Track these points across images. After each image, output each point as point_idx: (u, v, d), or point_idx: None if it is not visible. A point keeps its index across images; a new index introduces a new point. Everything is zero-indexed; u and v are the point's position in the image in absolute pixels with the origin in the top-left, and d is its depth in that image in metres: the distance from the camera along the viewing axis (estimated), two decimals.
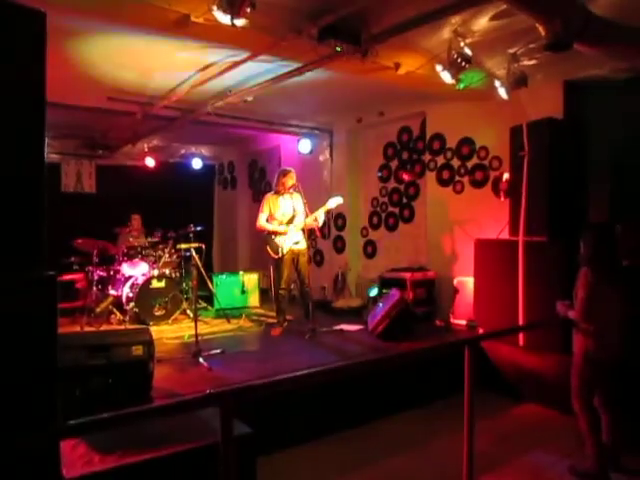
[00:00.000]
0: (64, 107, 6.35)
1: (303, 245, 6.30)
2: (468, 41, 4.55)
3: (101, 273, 7.21)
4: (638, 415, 3.95)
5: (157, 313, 6.89)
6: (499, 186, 6.09)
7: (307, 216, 6.17)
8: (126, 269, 7.20)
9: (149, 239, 7.70)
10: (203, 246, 7.43)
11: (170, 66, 5.42)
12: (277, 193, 6.34)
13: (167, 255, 7.53)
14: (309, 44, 4.47)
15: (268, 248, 6.30)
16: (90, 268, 7.11)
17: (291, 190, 6.28)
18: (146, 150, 9.59)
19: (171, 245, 7.66)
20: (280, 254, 6.22)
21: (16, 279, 2.14)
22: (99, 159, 10.20)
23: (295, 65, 5.21)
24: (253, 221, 11.21)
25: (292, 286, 7.04)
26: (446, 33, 4.59)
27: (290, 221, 6.28)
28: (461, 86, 5.10)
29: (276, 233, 6.25)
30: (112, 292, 7.15)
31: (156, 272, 7.18)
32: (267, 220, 6.31)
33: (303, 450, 4.02)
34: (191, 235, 7.68)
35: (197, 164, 10.71)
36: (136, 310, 6.80)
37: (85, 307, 6.85)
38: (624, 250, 3.92)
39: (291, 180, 6.26)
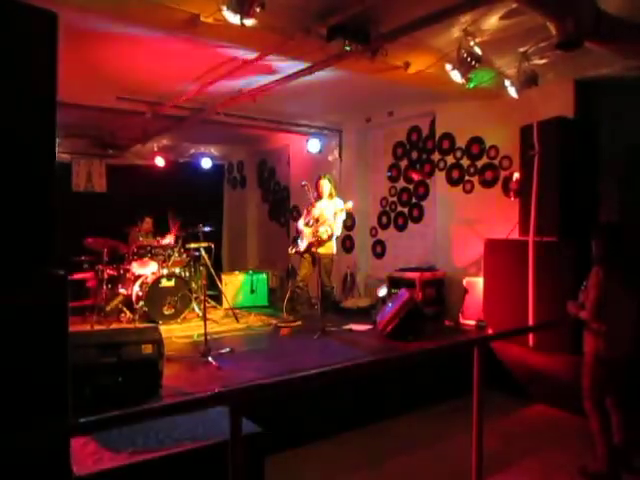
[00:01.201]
0: (75, 107, 6.39)
1: (325, 250, 6.49)
2: (478, 40, 4.53)
3: (111, 272, 7.25)
4: None
5: (166, 312, 6.93)
6: (509, 186, 6.07)
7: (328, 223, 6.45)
8: (136, 268, 7.23)
9: (158, 238, 7.75)
10: (212, 245, 7.48)
11: (179, 66, 5.43)
12: (317, 198, 6.71)
13: (177, 254, 7.56)
14: (318, 43, 4.47)
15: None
16: (100, 267, 7.16)
17: (326, 196, 6.64)
18: (156, 150, 9.63)
19: (181, 244, 7.70)
20: (294, 251, 6.71)
21: (27, 278, 2.16)
22: (109, 159, 10.25)
23: (304, 65, 5.21)
24: (262, 220, 11.37)
25: (301, 285, 7.08)
26: (456, 32, 4.57)
27: (312, 225, 6.58)
28: (471, 85, 5.07)
29: (297, 232, 6.88)
30: (122, 291, 7.20)
31: (166, 271, 7.22)
32: (305, 222, 6.79)
33: (311, 449, 4.02)
34: (200, 234, 7.72)
35: (206, 164, 10.75)
36: (146, 309, 6.84)
37: (95, 306, 6.89)
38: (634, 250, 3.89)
39: (321, 187, 6.65)
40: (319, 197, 6.62)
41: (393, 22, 4.40)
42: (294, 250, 6.73)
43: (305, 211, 6.96)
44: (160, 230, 8.07)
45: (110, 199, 10.19)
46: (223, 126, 8.04)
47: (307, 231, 6.63)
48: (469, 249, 6.76)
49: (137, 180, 10.32)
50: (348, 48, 4.46)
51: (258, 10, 3.52)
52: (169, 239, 7.70)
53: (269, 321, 7.11)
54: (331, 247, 6.52)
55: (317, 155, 8.80)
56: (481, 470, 3.01)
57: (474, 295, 6.34)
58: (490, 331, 5.71)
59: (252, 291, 8.30)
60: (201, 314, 6.76)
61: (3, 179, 2.08)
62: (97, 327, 6.49)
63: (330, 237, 6.44)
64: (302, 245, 6.65)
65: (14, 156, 2.14)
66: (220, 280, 7.99)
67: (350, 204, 6.47)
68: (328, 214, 6.44)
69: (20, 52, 2.14)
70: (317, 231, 6.42)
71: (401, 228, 8.13)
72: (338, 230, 6.55)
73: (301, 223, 6.82)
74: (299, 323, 6.72)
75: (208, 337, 5.23)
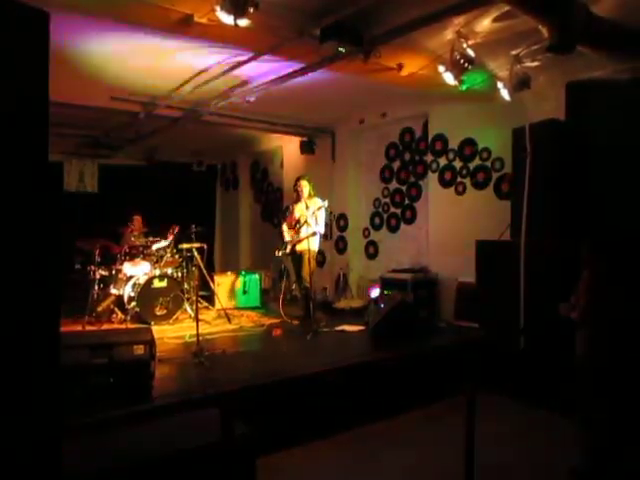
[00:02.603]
0: (67, 106, 6.36)
1: (304, 246, 6.44)
2: (471, 42, 4.56)
3: (103, 272, 7.22)
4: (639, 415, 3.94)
5: (158, 313, 6.90)
6: (501, 187, 6.10)
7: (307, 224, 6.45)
8: (128, 268, 7.20)
9: (151, 238, 7.72)
10: (205, 246, 7.46)
11: (173, 66, 5.42)
12: (297, 200, 6.72)
13: (169, 255, 7.53)
14: (311, 44, 4.47)
15: None
16: (92, 267, 7.12)
17: (306, 196, 6.60)
18: (148, 150, 9.60)
19: (173, 245, 7.67)
20: (279, 253, 6.74)
21: (19, 278, 2.14)
22: (101, 159, 10.22)
23: (298, 65, 5.21)
24: (255, 221, 11.36)
25: (294, 286, 7.10)
26: (449, 34, 4.59)
27: (293, 226, 6.62)
28: (464, 87, 5.10)
29: (282, 236, 6.81)
30: (114, 291, 7.16)
31: (158, 272, 7.19)
32: (288, 224, 6.80)
33: (303, 451, 4.02)
34: (193, 235, 7.70)
35: (199, 164, 10.73)
36: (137, 310, 6.81)
37: (87, 306, 6.86)
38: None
39: (300, 187, 6.63)
40: (298, 198, 6.64)
41: (386, 24, 4.41)
42: (280, 252, 6.74)
43: (288, 214, 6.99)
44: (151, 229, 8.04)
45: (102, 199, 10.15)
46: (216, 127, 8.03)
47: (289, 233, 6.67)
48: (461, 250, 6.77)
49: (129, 180, 10.30)
50: (341, 50, 4.47)
51: (252, 11, 3.53)
52: (163, 243, 7.67)
53: (261, 322, 7.11)
54: (311, 244, 6.47)
55: (310, 156, 8.80)
56: (473, 471, 3.02)
57: (466, 296, 6.36)
58: (482, 332, 5.73)
59: (245, 292, 8.28)
60: (193, 315, 6.75)
61: None
62: (88, 328, 6.46)
63: (313, 234, 6.43)
64: (287, 247, 6.69)
65: (4, 157, 2.12)
66: (212, 281, 7.98)
67: (326, 202, 6.49)
68: (309, 214, 6.45)
69: (9, 51, 2.12)
70: (299, 232, 6.47)
71: (394, 229, 8.15)
72: (321, 228, 6.54)
73: (284, 227, 6.85)
74: (291, 324, 6.76)
75: (200, 338, 5.22)
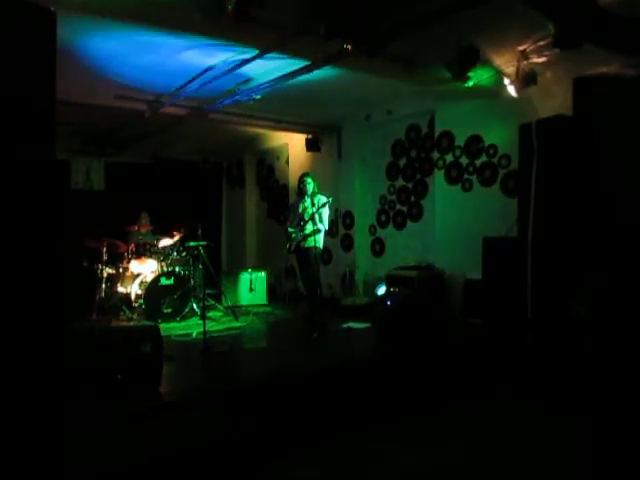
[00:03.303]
0: (73, 105, 6.37)
1: (309, 244, 6.47)
2: (477, 38, 4.53)
3: (110, 270, 7.25)
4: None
5: (165, 310, 6.92)
6: (508, 184, 6.07)
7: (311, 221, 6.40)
8: (135, 266, 7.23)
9: (158, 236, 7.74)
10: (212, 244, 7.47)
11: (178, 64, 5.42)
12: (300, 197, 6.74)
13: (176, 253, 7.55)
14: (317, 42, 4.45)
15: None
16: (99, 265, 7.15)
17: (310, 193, 6.59)
18: (154, 148, 9.62)
19: (180, 243, 7.69)
20: (284, 251, 6.80)
21: (23, 277, 2.15)
22: (108, 157, 10.24)
23: (303, 63, 5.20)
24: (261, 219, 11.37)
25: (299, 284, 7.11)
26: (455, 30, 4.57)
27: (297, 223, 6.61)
28: (470, 83, 5.08)
29: (287, 233, 6.79)
30: (121, 289, 7.19)
31: (165, 270, 7.21)
32: (292, 221, 6.83)
33: (306, 450, 4.01)
34: (199, 233, 7.72)
35: (205, 162, 10.74)
36: (145, 307, 6.83)
37: (94, 304, 6.89)
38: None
39: (304, 185, 6.61)
40: (302, 195, 6.64)
41: (392, 21, 4.39)
42: (285, 250, 6.78)
43: (291, 211, 7.01)
44: (157, 227, 8.06)
45: (109, 197, 10.19)
46: (222, 125, 8.03)
47: (293, 230, 6.66)
48: (468, 247, 6.75)
49: (135, 178, 10.33)
50: (347, 47, 4.45)
51: (258, 8, 3.52)
52: (170, 241, 7.69)
53: (268, 319, 7.12)
54: (316, 241, 6.42)
55: (316, 153, 8.79)
56: (478, 470, 3.01)
57: (473, 293, 6.33)
58: (489, 329, 5.71)
59: (251, 290, 8.30)
60: (200, 312, 6.77)
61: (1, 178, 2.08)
62: (96, 325, 6.49)
63: (317, 231, 6.42)
64: (292, 244, 6.69)
65: (11, 155, 2.13)
66: (219, 278, 7.99)
67: (331, 199, 6.41)
68: (313, 211, 6.43)
69: (17, 50, 2.13)
70: (303, 229, 6.48)
71: (400, 226, 8.13)
72: (325, 225, 6.53)
73: (288, 224, 6.86)
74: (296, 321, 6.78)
75: (207, 336, 5.23)
